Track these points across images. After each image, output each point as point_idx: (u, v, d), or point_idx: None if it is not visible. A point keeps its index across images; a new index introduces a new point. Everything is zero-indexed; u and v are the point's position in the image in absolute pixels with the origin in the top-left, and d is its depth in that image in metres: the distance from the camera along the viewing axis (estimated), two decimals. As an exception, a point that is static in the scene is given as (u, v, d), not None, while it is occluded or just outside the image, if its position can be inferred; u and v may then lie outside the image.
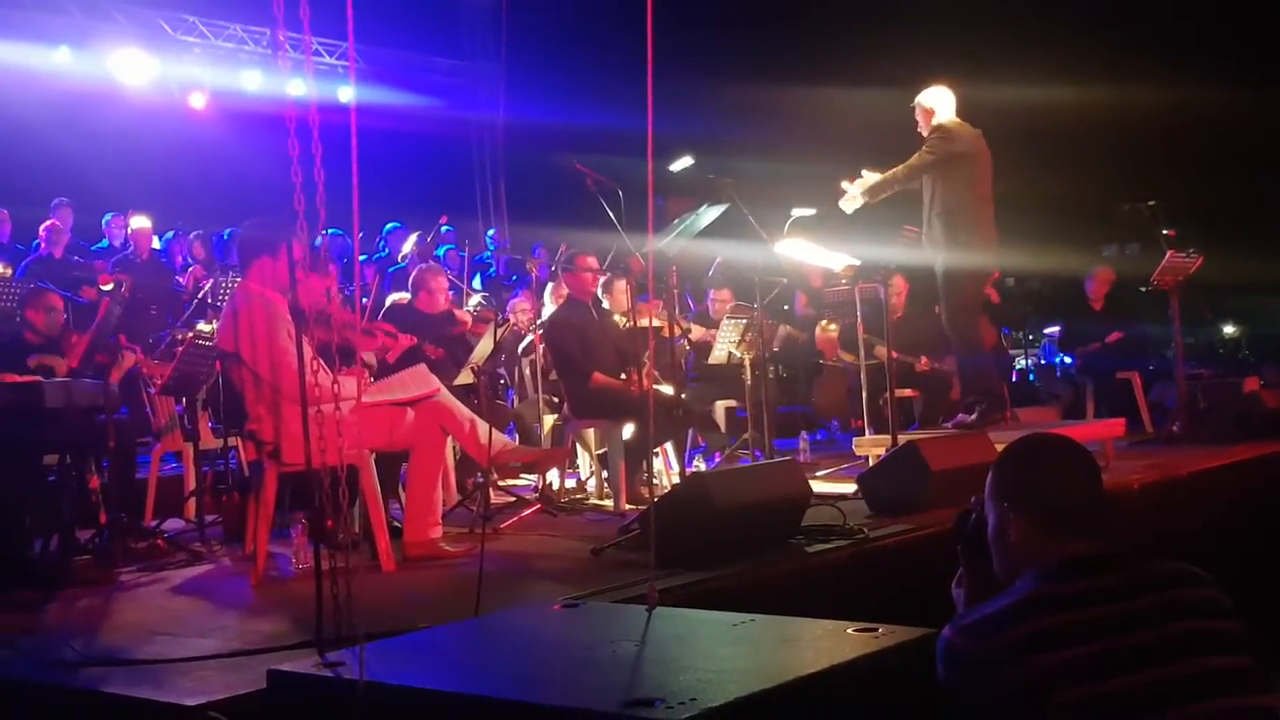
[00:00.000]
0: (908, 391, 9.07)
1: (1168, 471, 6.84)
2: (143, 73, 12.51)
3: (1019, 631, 2.12)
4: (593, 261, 7.29)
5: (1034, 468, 2.35)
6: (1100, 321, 10.25)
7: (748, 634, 2.73)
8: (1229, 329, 16.65)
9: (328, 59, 13.53)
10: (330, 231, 9.05)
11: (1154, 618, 2.12)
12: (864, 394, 7.78)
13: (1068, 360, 11.03)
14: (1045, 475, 2.32)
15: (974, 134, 7.46)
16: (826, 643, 2.57)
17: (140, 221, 10.54)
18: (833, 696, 2.32)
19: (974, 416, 7.43)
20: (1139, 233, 10.79)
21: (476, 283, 11.94)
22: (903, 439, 6.42)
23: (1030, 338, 13.25)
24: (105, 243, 11.07)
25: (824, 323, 10.10)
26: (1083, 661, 2.07)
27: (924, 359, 9.14)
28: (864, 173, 7.41)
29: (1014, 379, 11.98)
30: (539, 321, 7.91)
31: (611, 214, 6.50)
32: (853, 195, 7.35)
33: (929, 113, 7.46)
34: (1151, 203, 9.24)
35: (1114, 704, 2.05)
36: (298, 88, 3.41)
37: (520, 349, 8.44)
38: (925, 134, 7.45)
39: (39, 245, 10.13)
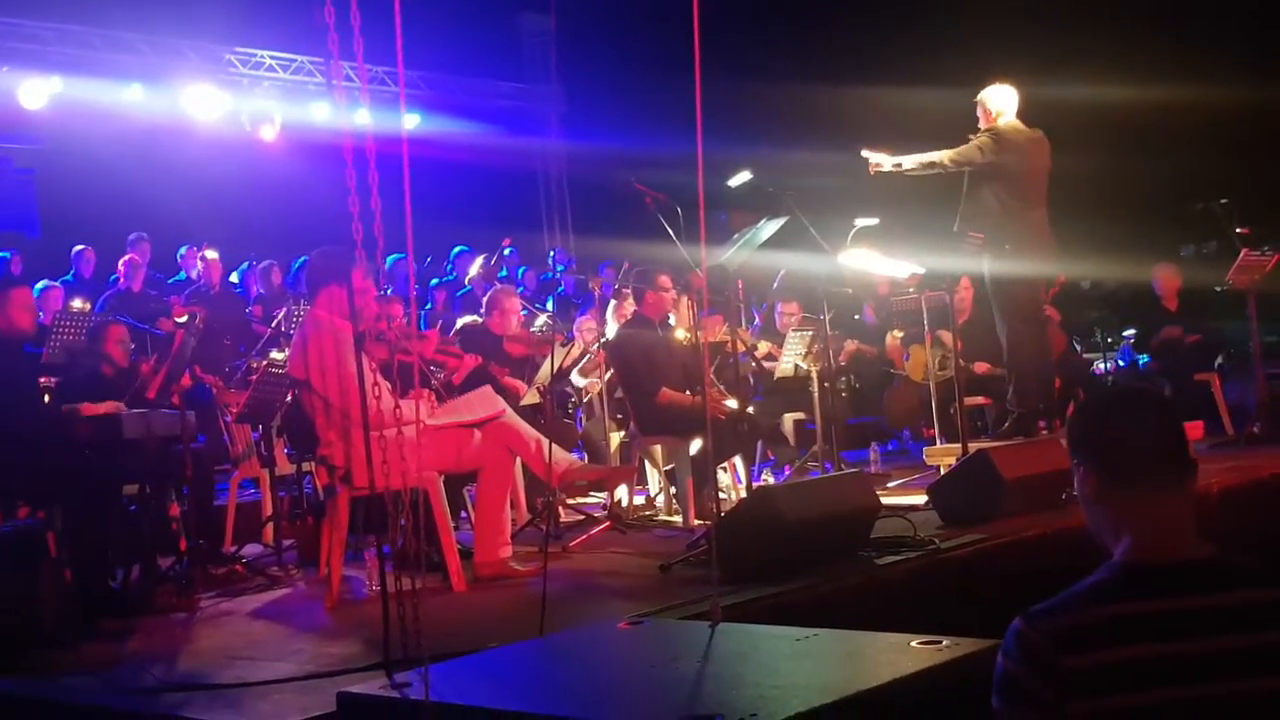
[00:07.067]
0: (980, 399, 8.91)
1: (1249, 474, 6.69)
2: (214, 107, 12.80)
3: (1093, 660, 1.95)
4: (667, 281, 7.25)
5: (1098, 418, 2.20)
6: (1175, 322, 10.03)
7: (810, 649, 2.72)
8: (1314, 326, 16.23)
9: (392, 86, 13.71)
10: (394, 257, 9.16)
11: (1243, 664, 1.93)
12: (934, 402, 7.70)
13: (1144, 360, 10.81)
14: (1108, 424, 2.16)
15: (1030, 138, 7.20)
16: (889, 656, 2.55)
17: (211, 254, 10.76)
18: (895, 710, 2.31)
19: (1005, 427, 7.26)
20: (1212, 232, 10.56)
21: (549, 304, 12.00)
22: (974, 447, 6.35)
23: (1109, 340, 13.02)
24: (182, 275, 11.31)
25: (894, 331, 9.99)
26: (1166, 702, 1.91)
27: (984, 364, 8.89)
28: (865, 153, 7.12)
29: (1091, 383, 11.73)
30: (601, 340, 7.91)
31: (670, 231, 6.49)
32: (880, 161, 7.06)
33: (989, 111, 7.23)
34: (1224, 201, 9.03)
35: None
36: (363, 117, 3.48)
37: (578, 368, 8.31)
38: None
39: (117, 279, 10.37)
